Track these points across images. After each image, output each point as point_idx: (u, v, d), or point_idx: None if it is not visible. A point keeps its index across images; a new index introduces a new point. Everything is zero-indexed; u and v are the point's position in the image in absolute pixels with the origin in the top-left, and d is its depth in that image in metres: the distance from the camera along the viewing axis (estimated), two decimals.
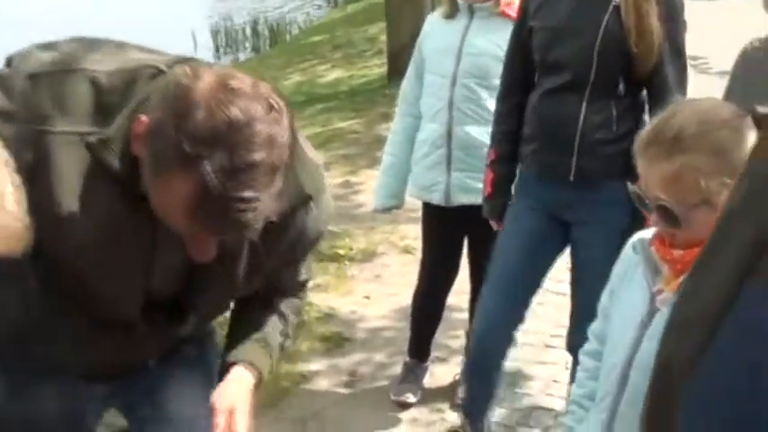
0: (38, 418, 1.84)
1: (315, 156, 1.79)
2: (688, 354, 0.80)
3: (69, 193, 1.55)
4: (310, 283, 2.04)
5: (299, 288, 2.00)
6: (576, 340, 2.65)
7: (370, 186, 5.66)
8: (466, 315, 3.86)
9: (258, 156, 1.40)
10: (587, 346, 2.12)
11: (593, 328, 2.10)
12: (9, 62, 1.61)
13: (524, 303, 3.07)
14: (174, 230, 1.53)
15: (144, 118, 1.48)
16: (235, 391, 1.80)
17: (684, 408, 0.79)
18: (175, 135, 1.39)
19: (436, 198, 3.45)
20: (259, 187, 1.42)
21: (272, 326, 1.94)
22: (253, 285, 1.81)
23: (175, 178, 1.42)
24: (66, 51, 1.62)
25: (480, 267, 3.29)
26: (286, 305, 1.97)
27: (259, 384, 1.88)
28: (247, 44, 14.94)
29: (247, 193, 1.41)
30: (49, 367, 1.83)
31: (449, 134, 3.36)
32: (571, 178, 2.79)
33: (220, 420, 1.74)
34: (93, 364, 1.87)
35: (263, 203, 1.45)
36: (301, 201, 1.71)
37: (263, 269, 1.77)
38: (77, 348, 1.82)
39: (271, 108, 1.43)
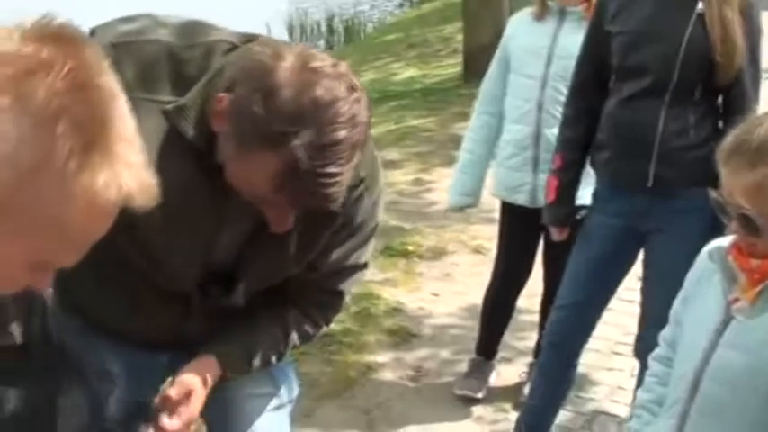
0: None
1: (374, 148, 1.83)
2: None
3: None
4: (347, 299, 2.01)
5: (329, 295, 1.98)
6: (643, 346, 2.67)
7: (443, 185, 5.70)
8: (534, 317, 3.89)
9: (342, 134, 1.47)
10: (657, 352, 2.13)
11: (665, 333, 2.11)
12: (92, 33, 1.68)
13: (596, 316, 3.12)
14: (250, 202, 1.59)
15: (225, 95, 1.53)
16: (197, 376, 1.83)
17: None
18: (263, 114, 1.46)
19: (521, 199, 3.47)
20: (342, 163, 1.50)
21: (268, 336, 1.95)
22: (300, 263, 1.83)
23: (263, 155, 1.48)
24: (145, 24, 1.69)
25: (555, 270, 3.31)
26: (296, 323, 1.97)
27: (218, 380, 1.88)
28: (321, 40, 15.05)
29: (332, 169, 1.48)
30: (108, 333, 1.90)
31: (537, 136, 3.38)
32: (649, 185, 2.79)
33: (174, 393, 1.78)
34: (148, 333, 1.92)
35: (345, 177, 1.53)
36: (355, 182, 1.73)
37: (313, 247, 1.81)
38: (132, 317, 1.89)
39: (351, 88, 1.50)
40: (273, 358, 1.97)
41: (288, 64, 1.48)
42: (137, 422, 1.79)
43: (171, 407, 1.78)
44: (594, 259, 2.98)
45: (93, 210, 0.96)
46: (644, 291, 3.03)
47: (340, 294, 1.99)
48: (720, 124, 2.81)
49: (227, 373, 1.88)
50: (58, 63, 0.92)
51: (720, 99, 2.84)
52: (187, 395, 1.79)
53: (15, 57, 0.91)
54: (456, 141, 6.45)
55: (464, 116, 7.12)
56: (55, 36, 0.95)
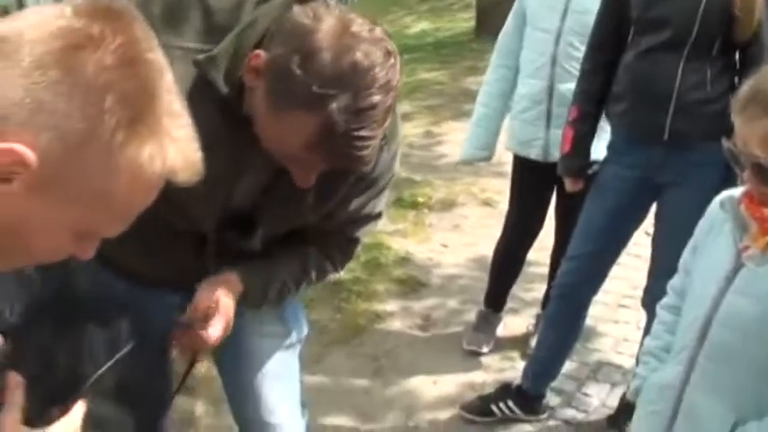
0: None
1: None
2: None
3: None
4: (359, 247, 2.05)
5: (345, 241, 2.02)
6: (651, 298, 2.69)
7: (453, 137, 5.73)
8: (543, 269, 3.92)
9: (377, 98, 1.50)
10: (665, 300, 2.16)
11: (674, 282, 2.14)
12: None
13: (607, 267, 3.15)
14: (278, 157, 1.61)
15: (261, 52, 1.54)
16: (219, 286, 1.86)
17: None
18: (302, 75, 1.47)
19: (534, 153, 3.48)
20: (375, 126, 1.52)
21: (287, 265, 1.98)
22: (317, 213, 1.86)
23: (298, 116, 1.50)
24: None
25: (567, 223, 3.34)
26: (315, 259, 2.01)
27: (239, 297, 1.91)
28: None
29: (366, 132, 1.51)
30: (120, 270, 1.91)
31: (550, 90, 3.38)
32: (665, 138, 2.80)
33: (202, 301, 1.82)
34: (163, 274, 1.95)
35: (377, 140, 1.55)
36: None
37: (331, 198, 1.83)
38: (148, 257, 1.91)
39: (388, 53, 1.52)
40: (291, 288, 2.00)
41: (328, 27, 1.49)
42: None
43: (203, 318, 1.82)
44: (608, 210, 3.00)
45: (138, 182, 0.98)
46: (654, 243, 3.05)
47: (354, 242, 2.03)
48: (737, 80, 2.81)
49: (247, 290, 1.91)
50: (107, 38, 0.94)
51: (738, 54, 2.84)
52: (215, 304, 1.83)
53: (66, 31, 0.93)
54: (467, 95, 6.47)
55: (475, 70, 7.12)
56: (105, 12, 0.96)
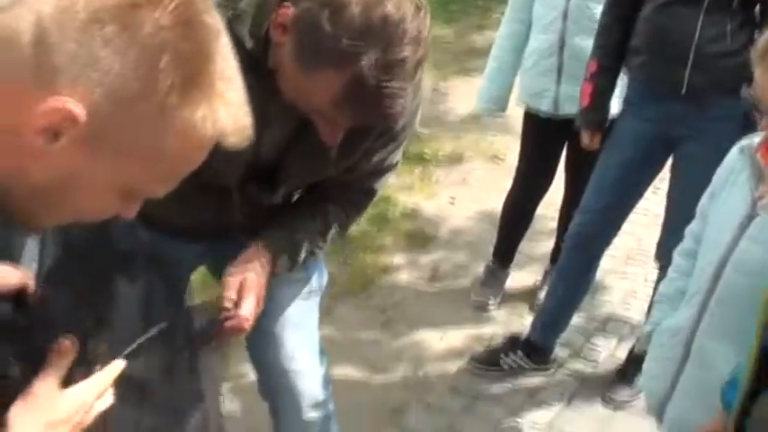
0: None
1: None
2: None
3: None
4: (377, 197, 2.05)
5: (363, 193, 2.02)
6: (665, 250, 2.69)
7: (460, 92, 5.70)
8: (551, 224, 3.93)
9: (407, 52, 1.47)
10: (682, 245, 2.16)
11: (691, 227, 2.14)
12: None
13: (620, 220, 3.16)
14: (304, 111, 1.60)
15: (289, 6, 1.51)
16: (254, 275, 1.85)
17: None
18: (331, 29, 1.45)
19: (545, 106, 3.45)
20: (406, 80, 1.50)
21: (311, 226, 1.98)
22: (340, 167, 1.86)
23: (327, 71, 1.48)
24: None
25: (577, 178, 3.34)
26: (336, 216, 2.00)
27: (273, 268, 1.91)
28: None
29: (396, 87, 1.48)
30: (143, 219, 1.92)
31: (561, 44, 3.35)
32: (683, 92, 2.78)
33: (232, 283, 1.81)
34: (187, 224, 1.95)
35: (408, 95, 1.52)
36: None
37: (354, 153, 1.83)
38: (173, 207, 1.89)
39: (417, 6, 1.49)
40: (317, 248, 2.01)
41: None
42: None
43: (236, 299, 1.81)
44: (624, 163, 2.99)
45: (189, 143, 0.98)
46: (669, 197, 3.04)
47: (372, 193, 2.02)
48: (756, 34, 2.78)
49: (275, 258, 1.90)
50: None
51: (758, 9, 2.80)
52: (244, 282, 1.82)
53: None
54: (473, 52, 6.43)
55: (482, 27, 7.08)
56: None
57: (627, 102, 3.03)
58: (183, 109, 0.94)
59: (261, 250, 1.89)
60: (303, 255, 1.98)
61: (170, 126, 0.95)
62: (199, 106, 0.95)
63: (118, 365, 1.17)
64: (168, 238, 1.97)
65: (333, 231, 2.02)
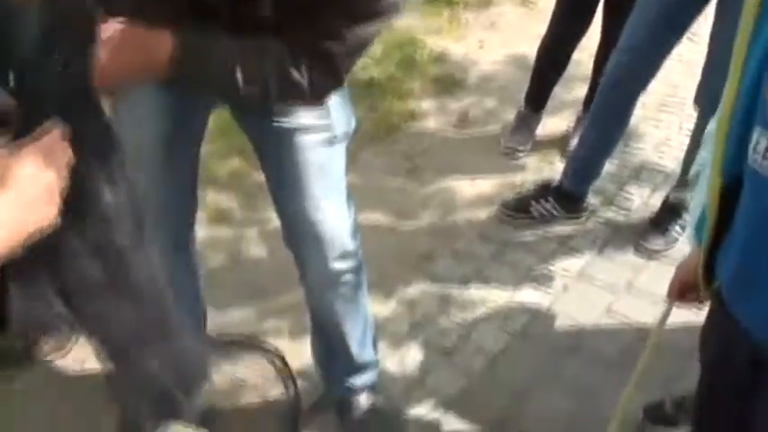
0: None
1: None
2: None
3: None
4: (348, 64, 1.76)
5: (338, 45, 1.71)
6: (707, 91, 2.58)
7: None
8: (585, 70, 3.76)
9: None
10: None
11: None
12: None
13: (659, 61, 2.99)
14: None
15: None
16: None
17: None
18: None
19: None
20: None
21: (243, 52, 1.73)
22: None
23: None
24: None
25: (615, 20, 3.16)
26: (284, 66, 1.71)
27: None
28: None
29: None
30: None
31: None
32: None
33: None
34: None
35: None
36: None
37: None
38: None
39: None
40: (240, 77, 1.72)
41: None
42: None
43: None
44: (665, 1, 2.81)
45: None
46: (712, 36, 2.87)
47: (347, 52, 1.74)
48: None
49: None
50: None
51: None
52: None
53: None
54: None
55: None
56: None
57: None
58: None
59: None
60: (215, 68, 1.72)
61: None
62: None
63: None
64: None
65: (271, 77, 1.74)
